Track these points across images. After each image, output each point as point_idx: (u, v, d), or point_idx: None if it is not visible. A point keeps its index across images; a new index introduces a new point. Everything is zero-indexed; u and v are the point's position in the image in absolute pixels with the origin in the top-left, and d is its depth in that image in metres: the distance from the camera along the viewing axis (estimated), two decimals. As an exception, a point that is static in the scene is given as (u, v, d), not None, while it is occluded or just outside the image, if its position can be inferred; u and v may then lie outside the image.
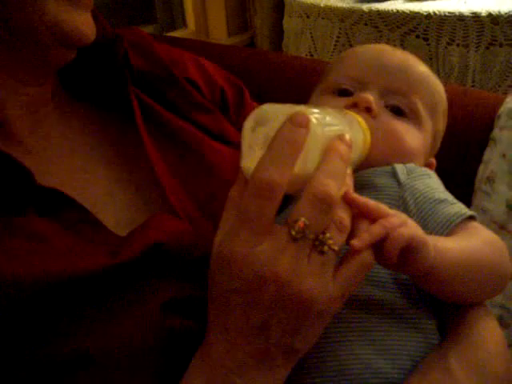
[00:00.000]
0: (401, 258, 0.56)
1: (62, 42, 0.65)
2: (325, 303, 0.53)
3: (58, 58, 0.68)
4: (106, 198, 0.69)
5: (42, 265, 0.57)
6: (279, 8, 2.45)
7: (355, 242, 0.54)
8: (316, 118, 0.55)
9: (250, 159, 0.56)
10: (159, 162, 0.72)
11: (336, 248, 0.53)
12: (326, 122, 0.57)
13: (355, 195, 0.56)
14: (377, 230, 0.56)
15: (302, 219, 0.52)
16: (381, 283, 0.63)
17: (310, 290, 0.52)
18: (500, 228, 1.00)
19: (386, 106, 0.75)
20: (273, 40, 2.52)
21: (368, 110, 0.72)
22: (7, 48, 0.63)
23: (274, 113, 0.56)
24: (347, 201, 0.56)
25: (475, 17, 1.76)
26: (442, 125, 0.83)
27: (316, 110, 0.58)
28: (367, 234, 0.55)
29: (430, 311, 0.65)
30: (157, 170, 0.70)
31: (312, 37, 2.10)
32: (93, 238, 0.63)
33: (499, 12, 1.74)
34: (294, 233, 0.52)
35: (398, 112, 0.75)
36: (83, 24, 0.66)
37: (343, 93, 0.77)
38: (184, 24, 2.63)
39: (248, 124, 0.57)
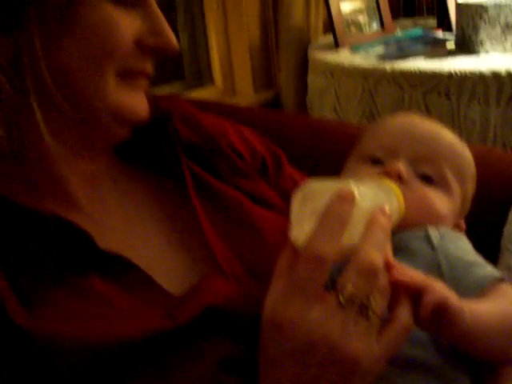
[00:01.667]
0: (438, 321, 0.61)
1: (120, 122, 0.71)
2: (370, 363, 0.58)
3: (114, 136, 0.74)
4: (160, 260, 0.74)
5: (104, 326, 0.62)
6: (303, 65, 2.52)
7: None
8: (359, 193, 0.61)
9: (298, 231, 0.61)
10: (208, 225, 0.77)
11: (379, 312, 0.58)
12: (366, 194, 0.63)
13: (396, 263, 0.62)
14: (417, 277, 0.61)
15: (350, 287, 0.57)
16: (420, 343, 0.68)
17: (357, 352, 0.57)
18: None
19: (416, 174, 0.80)
20: (297, 96, 2.58)
21: (399, 178, 0.78)
22: (68, 126, 0.69)
23: (321, 189, 0.62)
24: (388, 268, 0.61)
25: (495, 75, 1.82)
26: (470, 188, 0.87)
27: (356, 184, 0.64)
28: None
29: (465, 369, 0.70)
30: (206, 233, 0.75)
31: (336, 94, 2.17)
32: (150, 299, 0.67)
33: (518, 70, 1.81)
34: (342, 299, 0.57)
35: (427, 179, 0.80)
36: (140, 106, 0.72)
37: (376, 161, 0.83)
38: (211, 81, 2.72)
39: (296, 198, 0.63)
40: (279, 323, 0.58)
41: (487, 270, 0.73)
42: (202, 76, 2.73)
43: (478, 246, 0.80)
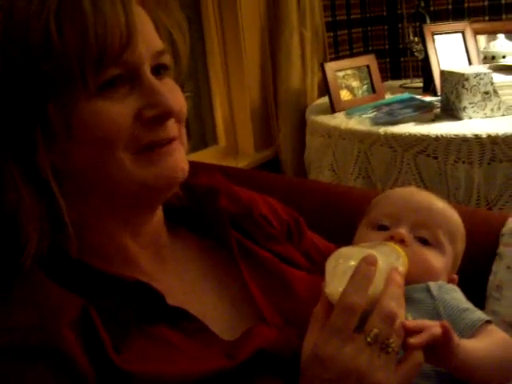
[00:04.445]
0: (440, 355, 0.79)
1: (150, 193, 0.83)
2: None
3: (153, 201, 0.87)
4: (212, 311, 0.90)
5: (175, 367, 0.77)
6: (301, 126, 2.71)
7: (411, 340, 0.77)
8: (379, 258, 0.79)
9: (332, 287, 0.80)
10: (251, 282, 0.92)
11: (397, 349, 0.76)
12: (384, 257, 0.82)
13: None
14: (424, 336, 0.78)
15: (375, 330, 0.75)
16: (426, 375, 0.85)
17: (380, 380, 0.74)
18: (509, 327, 1.19)
19: (415, 237, 0.97)
20: (296, 154, 2.76)
21: (402, 242, 0.96)
22: (114, 204, 0.83)
23: (349, 254, 0.81)
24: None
25: (477, 138, 2.03)
26: (460, 247, 1.04)
27: (375, 250, 0.82)
28: (418, 338, 0.78)
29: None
30: (251, 289, 0.91)
31: (333, 154, 2.35)
32: (208, 344, 0.83)
33: (497, 134, 2.02)
34: (369, 339, 0.75)
35: (424, 241, 0.98)
36: (168, 171, 0.81)
37: (382, 227, 1.00)
38: (215, 141, 2.91)
39: (329, 262, 0.82)
40: (321, 358, 0.75)
41: (477, 314, 0.90)
42: (207, 137, 2.92)
43: (468, 294, 0.96)
